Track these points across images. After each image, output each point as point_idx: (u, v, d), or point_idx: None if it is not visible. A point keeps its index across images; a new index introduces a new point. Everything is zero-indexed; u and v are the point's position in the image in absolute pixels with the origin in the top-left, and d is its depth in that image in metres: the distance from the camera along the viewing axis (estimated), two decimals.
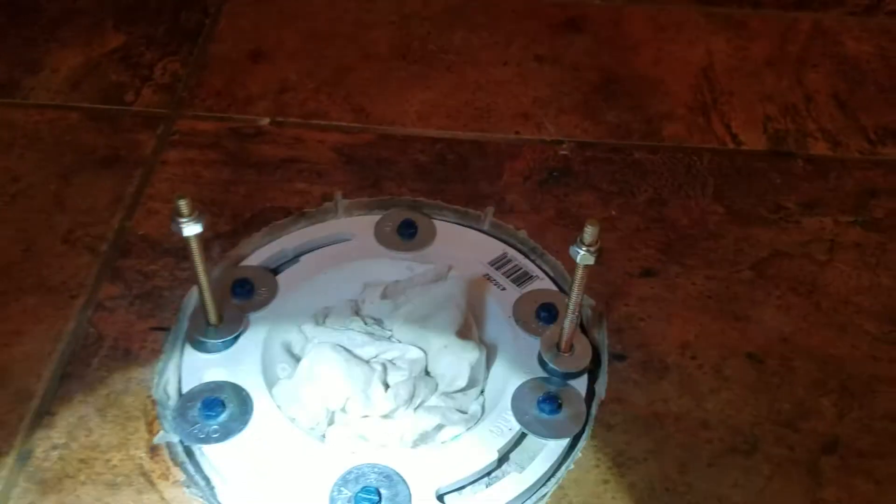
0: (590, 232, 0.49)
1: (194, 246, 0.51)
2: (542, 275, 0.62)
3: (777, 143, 0.73)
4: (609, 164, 0.70)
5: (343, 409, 0.55)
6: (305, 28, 0.82)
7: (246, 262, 0.62)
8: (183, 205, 0.49)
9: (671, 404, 0.54)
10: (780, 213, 0.66)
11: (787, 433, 0.52)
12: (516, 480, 0.51)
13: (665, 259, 0.63)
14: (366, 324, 0.61)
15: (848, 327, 0.58)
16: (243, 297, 0.59)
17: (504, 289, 0.61)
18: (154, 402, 0.53)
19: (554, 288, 0.61)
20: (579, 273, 0.51)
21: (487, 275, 0.62)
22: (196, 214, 0.49)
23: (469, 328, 0.59)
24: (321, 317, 0.61)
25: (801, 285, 0.61)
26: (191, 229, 0.49)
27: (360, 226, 0.65)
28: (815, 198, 0.68)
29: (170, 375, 0.55)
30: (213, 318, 0.56)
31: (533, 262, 0.64)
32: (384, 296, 0.61)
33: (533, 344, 0.57)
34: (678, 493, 0.49)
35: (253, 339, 0.57)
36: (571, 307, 0.53)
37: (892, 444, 0.52)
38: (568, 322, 0.54)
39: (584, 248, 0.49)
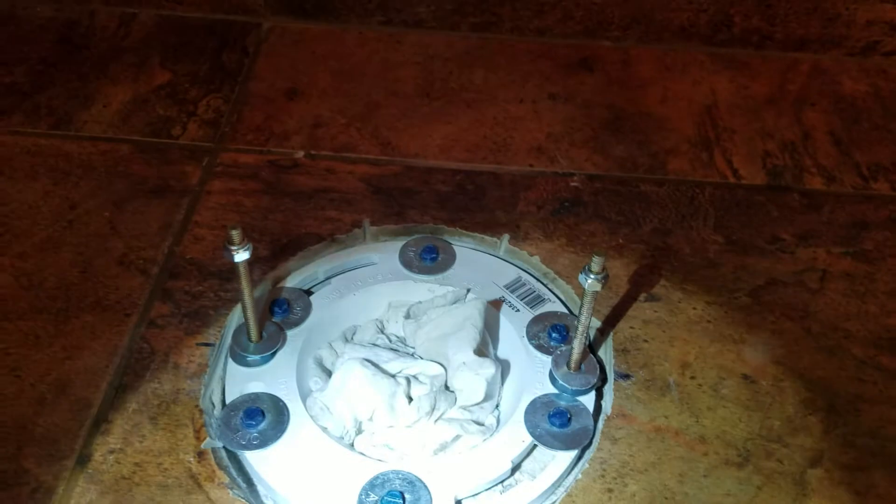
0: (597, 262, 0.54)
1: (242, 271, 0.57)
2: (553, 298, 0.67)
3: (775, 177, 0.78)
4: (617, 196, 0.75)
5: (370, 420, 0.60)
6: (337, 67, 0.89)
7: (283, 284, 0.68)
8: (235, 234, 0.54)
9: (671, 420, 0.59)
10: (776, 243, 0.71)
11: (777, 448, 0.57)
12: (528, 488, 0.56)
13: (668, 285, 0.68)
14: (390, 341, 0.66)
15: (836, 351, 0.63)
16: (280, 316, 0.64)
17: (518, 310, 0.66)
18: (201, 412, 0.59)
19: (564, 310, 0.66)
20: (587, 298, 0.56)
21: (503, 297, 0.67)
22: (245, 243, 0.55)
23: (486, 346, 0.64)
24: (350, 334, 0.67)
25: (793, 311, 0.66)
26: (241, 256, 0.55)
27: (385, 251, 0.71)
28: (809, 230, 0.72)
29: (214, 387, 0.61)
30: (254, 335, 0.61)
31: (545, 286, 0.69)
32: (407, 315, 0.67)
33: (545, 362, 0.62)
34: (676, 501, 0.54)
35: (289, 355, 0.62)
36: (580, 329, 0.58)
37: (873, 458, 0.56)
38: (577, 343, 0.59)
39: (591, 276, 0.55)
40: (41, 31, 0.93)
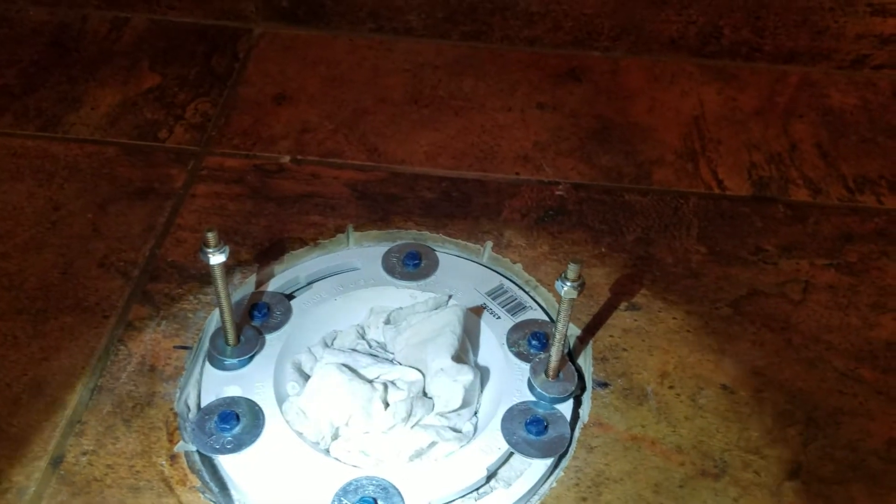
0: (573, 269, 0.54)
1: (218, 273, 0.57)
2: (535, 305, 0.67)
3: (760, 188, 0.77)
4: (601, 205, 0.75)
5: (346, 425, 0.60)
6: (326, 73, 0.89)
7: (264, 288, 0.68)
8: (211, 237, 0.54)
9: (648, 429, 0.58)
10: (759, 254, 0.71)
11: (754, 459, 0.57)
12: (503, 496, 0.56)
13: (649, 294, 0.67)
14: (370, 346, 0.66)
15: (817, 363, 0.62)
16: (260, 320, 0.64)
17: (499, 317, 0.66)
18: (175, 415, 0.58)
19: (545, 318, 0.66)
20: (564, 306, 0.56)
21: (484, 304, 0.67)
22: (221, 245, 0.55)
23: (465, 353, 0.64)
24: (330, 339, 0.66)
25: (775, 322, 0.65)
26: (216, 259, 0.55)
27: (368, 256, 0.71)
28: (793, 241, 0.72)
29: (190, 390, 0.61)
30: (231, 339, 0.61)
31: (527, 293, 0.68)
32: (388, 321, 0.67)
33: (524, 369, 0.62)
34: None
35: (267, 359, 0.62)
36: (558, 336, 0.58)
37: (852, 471, 0.56)
38: (555, 350, 0.59)
39: (568, 284, 0.54)
40: (34, 35, 0.93)
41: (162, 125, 0.82)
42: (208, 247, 0.55)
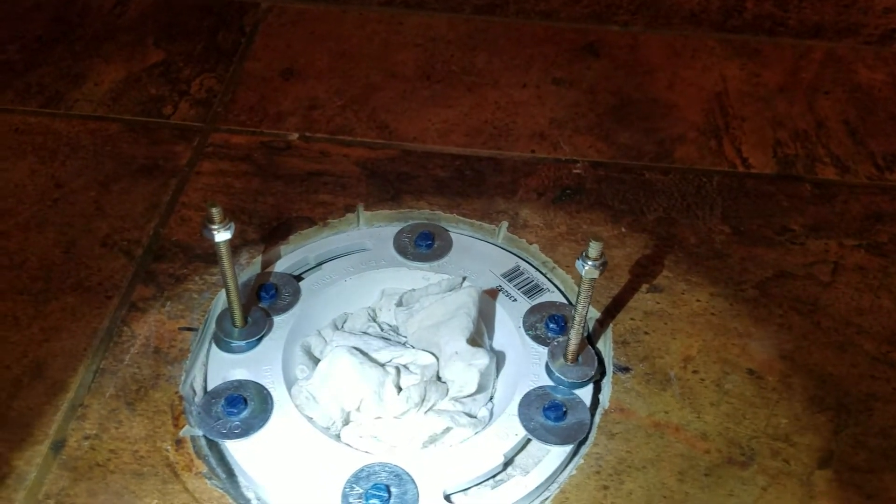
0: (594, 247, 0.52)
1: (223, 252, 0.54)
2: (552, 288, 0.65)
3: (786, 167, 0.75)
4: (621, 184, 0.73)
5: (358, 410, 0.58)
6: (336, 48, 0.86)
7: (271, 269, 0.65)
8: (215, 212, 0.52)
9: (672, 415, 0.56)
10: (785, 234, 0.68)
11: (783, 447, 0.54)
12: (520, 484, 0.53)
13: (671, 276, 0.65)
14: (381, 329, 0.64)
15: (847, 347, 0.60)
16: (268, 301, 0.62)
17: (515, 300, 0.64)
18: (181, 398, 0.56)
19: (563, 300, 0.64)
20: (585, 286, 0.53)
21: (500, 286, 0.65)
22: (226, 222, 0.53)
23: (480, 336, 0.62)
24: (340, 322, 0.64)
25: (803, 305, 0.63)
26: (221, 236, 0.53)
27: (379, 237, 0.68)
28: (820, 221, 0.69)
29: (196, 373, 0.59)
30: (238, 320, 0.59)
31: (544, 275, 0.66)
32: (400, 303, 0.64)
33: (541, 353, 0.60)
34: (675, 500, 0.51)
35: (275, 341, 0.60)
36: (577, 319, 0.55)
37: (885, 460, 0.53)
38: (574, 333, 0.56)
39: (589, 263, 0.52)
40: (36, 9, 0.91)
41: (167, 101, 0.80)
42: (213, 223, 0.52)
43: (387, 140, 0.77)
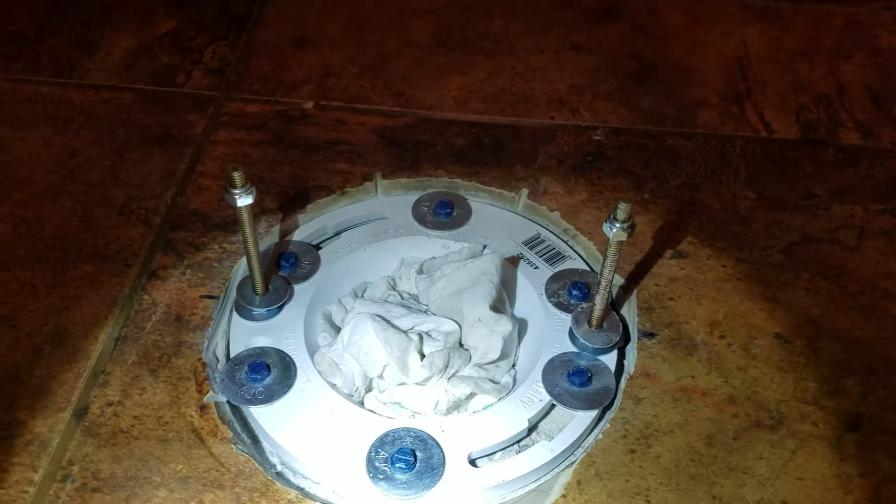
0: (623, 209, 0.51)
1: (245, 217, 0.54)
2: (574, 255, 0.64)
3: (809, 132, 0.74)
4: (642, 150, 0.72)
5: (381, 377, 0.57)
6: (349, 16, 0.85)
7: (290, 238, 0.65)
8: (237, 176, 0.51)
9: (699, 380, 0.55)
10: (810, 199, 0.67)
11: (812, 410, 0.54)
12: (546, 448, 0.53)
13: (696, 242, 0.64)
14: (402, 298, 0.63)
15: (874, 311, 0.59)
16: (288, 270, 0.62)
17: (537, 267, 0.63)
18: (204, 365, 0.56)
19: (586, 267, 0.63)
20: (612, 249, 0.53)
21: (521, 254, 0.64)
22: (248, 186, 0.52)
23: (502, 303, 0.61)
24: (360, 290, 0.64)
25: (829, 270, 0.62)
26: (243, 200, 0.52)
27: (398, 205, 0.68)
28: (845, 186, 0.69)
29: (218, 340, 0.58)
30: (259, 287, 0.59)
31: (565, 242, 0.65)
32: (420, 271, 0.64)
33: (564, 320, 0.59)
34: (703, 464, 0.51)
35: (296, 309, 0.60)
36: (603, 283, 0.55)
37: None
38: (599, 298, 0.56)
39: (617, 225, 0.51)
40: None
41: (179, 70, 0.79)
42: (234, 187, 0.51)
43: (403, 108, 0.76)
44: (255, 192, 0.53)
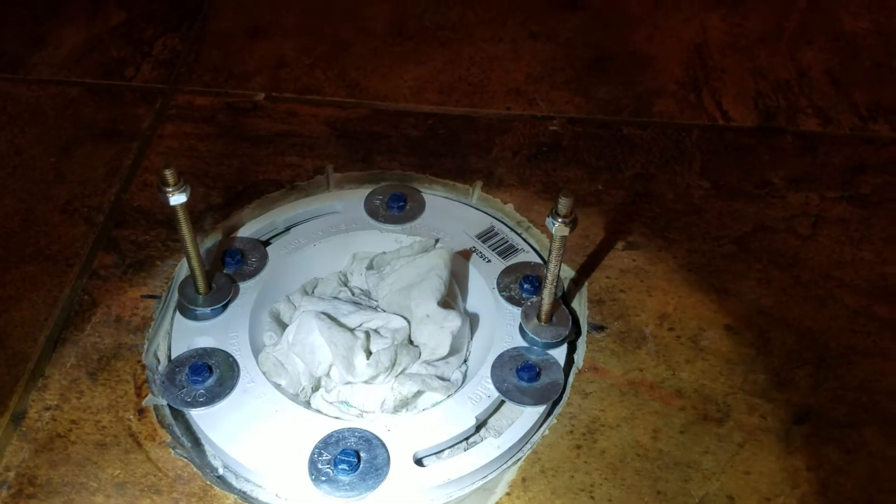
0: (564, 203, 0.50)
1: (181, 215, 0.52)
2: (527, 248, 0.63)
3: (767, 119, 0.73)
4: (598, 140, 0.71)
5: (328, 376, 0.56)
6: (304, 4, 0.83)
7: (237, 234, 0.64)
8: (168, 174, 0.50)
9: (647, 373, 0.55)
10: (766, 188, 0.67)
11: (760, 403, 0.53)
12: (493, 445, 0.52)
13: (648, 233, 0.63)
14: (353, 294, 0.62)
15: (827, 301, 0.59)
16: (233, 267, 0.60)
17: (489, 261, 0.62)
18: (143, 367, 0.55)
19: (538, 260, 0.62)
20: (556, 244, 0.52)
21: (473, 247, 0.63)
22: (181, 184, 0.51)
23: (453, 298, 0.60)
24: (310, 287, 0.63)
25: (782, 259, 0.61)
26: (177, 199, 0.51)
27: (350, 199, 0.66)
28: (802, 173, 0.68)
29: (160, 342, 0.57)
30: (201, 286, 0.57)
31: (519, 235, 0.64)
32: (370, 266, 0.63)
33: (515, 314, 0.58)
34: (649, 458, 0.50)
35: (242, 308, 0.59)
36: (549, 278, 0.54)
37: (865, 414, 0.52)
38: (547, 293, 0.55)
39: (559, 220, 0.50)
40: None
41: (129, 63, 0.77)
42: (167, 185, 0.50)
43: (357, 99, 0.74)
44: (190, 188, 0.51)
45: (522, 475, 0.50)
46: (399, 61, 0.78)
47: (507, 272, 0.61)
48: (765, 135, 0.71)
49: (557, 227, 0.50)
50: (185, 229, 0.53)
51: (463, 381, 0.57)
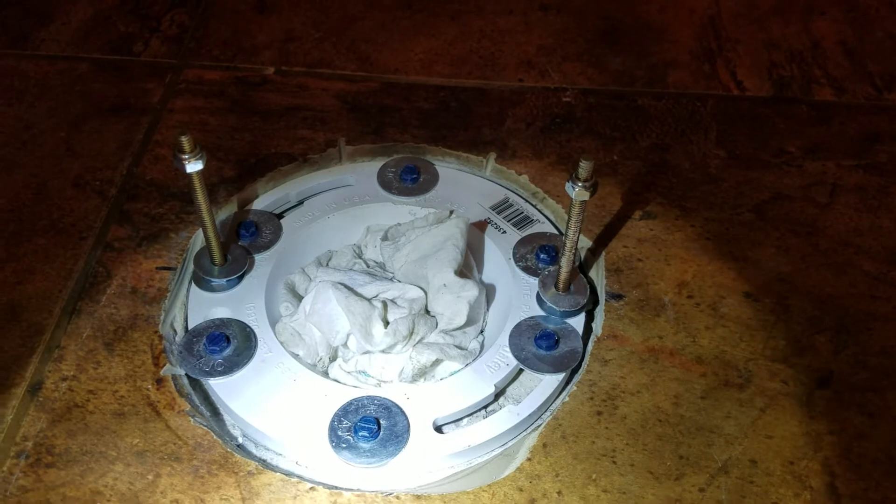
0: (584, 167, 0.49)
1: (197, 183, 0.52)
2: (542, 219, 0.63)
3: (782, 89, 0.72)
4: (612, 111, 0.70)
5: (345, 346, 0.56)
6: None
7: (251, 207, 0.63)
8: (185, 141, 0.49)
9: (666, 340, 0.54)
10: (782, 157, 0.66)
11: (781, 368, 0.53)
12: (512, 413, 0.52)
13: (665, 202, 0.63)
14: (367, 266, 0.62)
15: (846, 267, 0.58)
16: (248, 239, 0.60)
17: (504, 232, 0.62)
18: (160, 338, 0.55)
19: (554, 231, 0.62)
20: (575, 210, 0.51)
21: (488, 218, 0.62)
22: (198, 151, 0.50)
23: (469, 269, 0.60)
24: (324, 259, 0.62)
25: (800, 227, 0.61)
26: (193, 166, 0.50)
27: (363, 171, 0.66)
28: (818, 142, 0.67)
29: (176, 313, 0.57)
30: (217, 257, 0.57)
31: (534, 206, 0.64)
32: (385, 238, 0.62)
33: (532, 284, 0.58)
34: (670, 424, 0.50)
35: (257, 279, 0.58)
36: (568, 245, 0.53)
37: (887, 378, 0.52)
38: (565, 260, 0.55)
39: (579, 184, 0.50)
40: None
41: (137, 38, 0.76)
42: (183, 153, 0.50)
43: (367, 72, 0.74)
44: (206, 156, 0.51)
45: (543, 441, 0.50)
46: (409, 34, 0.77)
47: (522, 243, 0.61)
48: (780, 104, 0.71)
49: (578, 192, 0.50)
50: (200, 198, 0.53)
51: (480, 351, 0.56)
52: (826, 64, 0.75)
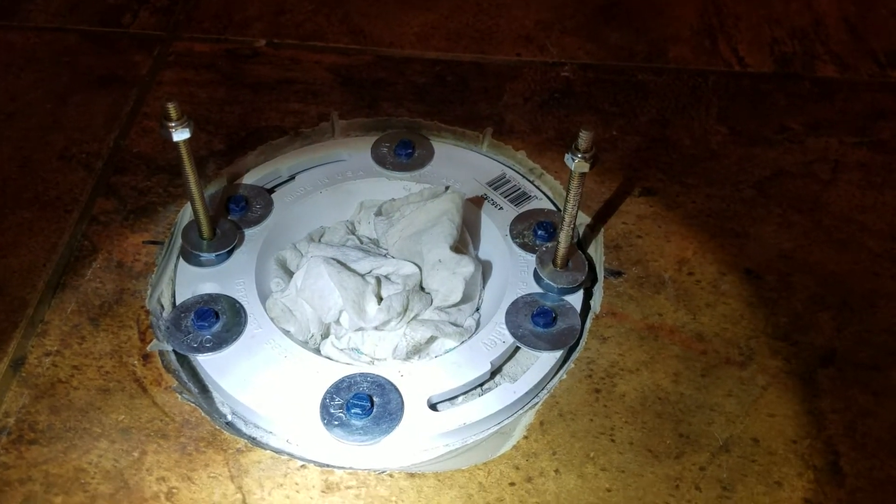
0: (584, 138, 0.48)
1: (184, 153, 0.50)
2: (540, 195, 0.61)
3: (784, 65, 0.71)
4: (612, 86, 0.69)
5: (337, 322, 0.55)
6: None
7: (241, 181, 0.62)
8: (171, 108, 0.48)
9: (666, 317, 0.53)
10: (784, 133, 0.65)
11: (783, 346, 0.52)
12: (509, 390, 0.51)
13: (665, 178, 0.61)
14: (361, 243, 0.60)
15: (849, 244, 0.57)
16: (238, 214, 0.58)
17: (501, 208, 0.60)
18: (147, 313, 0.53)
19: (552, 207, 0.60)
20: (574, 182, 0.50)
21: (485, 194, 0.61)
22: (184, 120, 0.49)
23: (465, 245, 0.59)
24: (317, 235, 0.61)
25: (802, 203, 0.60)
26: (180, 134, 0.49)
27: (356, 146, 0.64)
28: (820, 119, 0.66)
29: (163, 288, 0.55)
30: (205, 231, 0.55)
31: (531, 182, 0.63)
32: (379, 213, 0.61)
33: (529, 261, 0.57)
34: (670, 401, 0.49)
35: (247, 254, 0.57)
36: (567, 219, 0.52)
37: (891, 356, 0.51)
38: (563, 235, 0.53)
39: (579, 155, 0.48)
40: None
41: (125, 10, 0.74)
42: (169, 120, 0.48)
43: (361, 45, 0.72)
44: (193, 125, 0.49)
45: (540, 419, 0.49)
46: (404, 7, 0.76)
47: (519, 219, 0.59)
48: (782, 81, 0.69)
49: (577, 163, 0.48)
50: (188, 169, 0.51)
51: (476, 329, 0.55)
52: (828, 40, 0.73)
